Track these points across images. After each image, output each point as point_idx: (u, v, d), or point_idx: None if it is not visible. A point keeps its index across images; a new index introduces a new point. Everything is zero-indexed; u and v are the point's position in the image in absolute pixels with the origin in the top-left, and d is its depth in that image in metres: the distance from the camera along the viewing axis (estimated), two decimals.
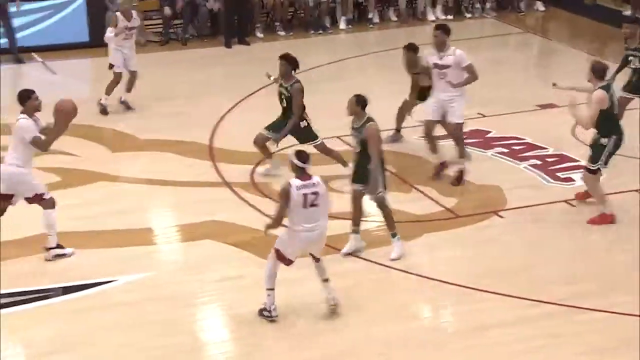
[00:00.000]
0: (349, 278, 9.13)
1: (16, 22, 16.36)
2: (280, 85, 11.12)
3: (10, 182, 9.29)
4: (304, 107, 11.08)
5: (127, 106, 13.83)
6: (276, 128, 11.20)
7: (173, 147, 12.36)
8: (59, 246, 9.55)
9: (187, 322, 8.55)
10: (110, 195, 11.06)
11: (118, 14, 13.60)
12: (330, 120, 12.31)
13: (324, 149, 11.34)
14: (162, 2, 17.18)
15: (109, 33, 13.50)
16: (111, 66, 13.66)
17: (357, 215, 9.61)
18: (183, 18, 17.13)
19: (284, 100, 11.10)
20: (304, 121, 11.16)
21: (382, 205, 9.52)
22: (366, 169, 9.31)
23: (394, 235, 9.56)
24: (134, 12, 13.68)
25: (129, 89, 13.84)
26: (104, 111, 13.64)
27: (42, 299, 8.84)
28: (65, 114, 9.13)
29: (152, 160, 12.04)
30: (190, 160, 11.92)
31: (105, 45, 13.85)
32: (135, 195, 11.09)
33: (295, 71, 11.07)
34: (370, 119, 9.28)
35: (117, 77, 13.67)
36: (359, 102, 9.28)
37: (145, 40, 16.90)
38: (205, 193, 11.10)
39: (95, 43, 16.13)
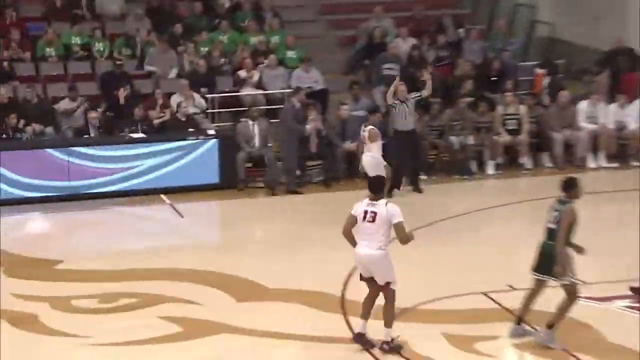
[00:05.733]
0: None
1: (147, 163, 16.11)
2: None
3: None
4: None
5: None
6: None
7: (302, 297, 11.45)
8: None
9: None
10: (230, 351, 10.17)
11: None
12: None
13: None
14: None
15: None
16: None
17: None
18: None
19: None
20: None
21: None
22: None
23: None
24: None
25: None
26: None
27: None
28: None
29: (278, 311, 11.14)
30: (317, 312, 10.96)
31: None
32: (257, 351, 10.13)
33: None
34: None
35: None
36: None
37: None
38: (337, 350, 10.03)
39: (225, 184, 16.22)
